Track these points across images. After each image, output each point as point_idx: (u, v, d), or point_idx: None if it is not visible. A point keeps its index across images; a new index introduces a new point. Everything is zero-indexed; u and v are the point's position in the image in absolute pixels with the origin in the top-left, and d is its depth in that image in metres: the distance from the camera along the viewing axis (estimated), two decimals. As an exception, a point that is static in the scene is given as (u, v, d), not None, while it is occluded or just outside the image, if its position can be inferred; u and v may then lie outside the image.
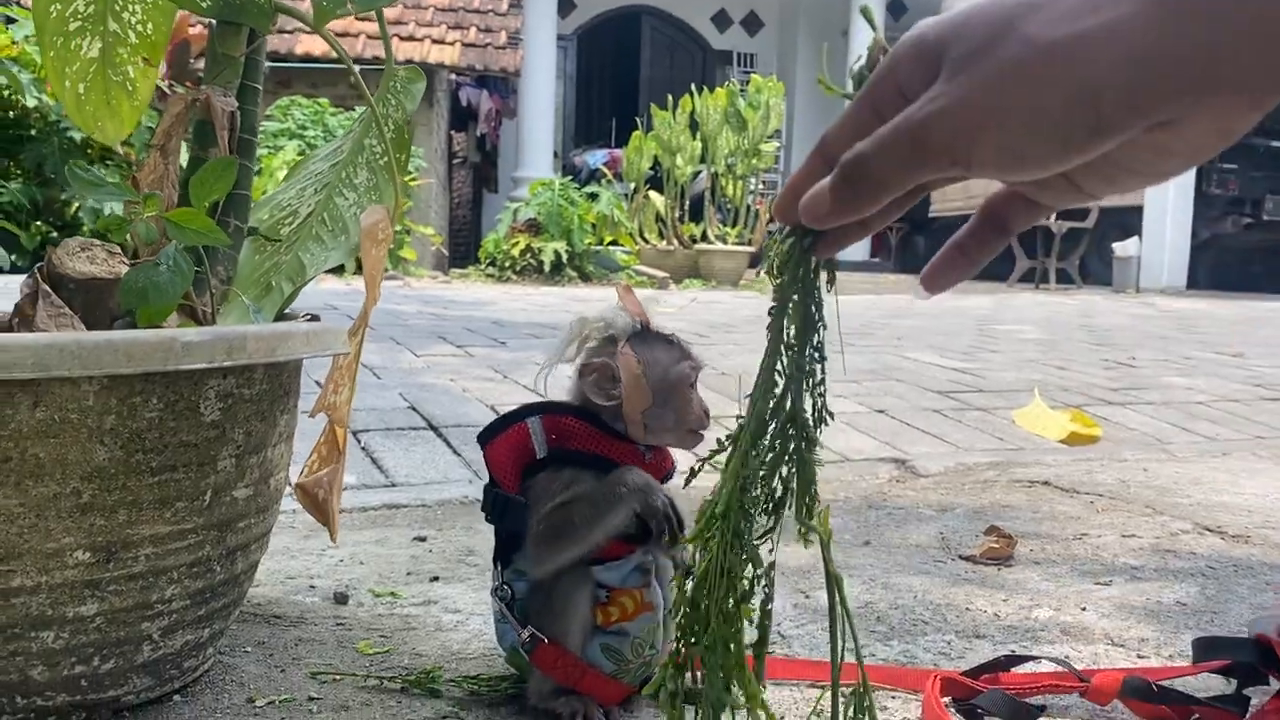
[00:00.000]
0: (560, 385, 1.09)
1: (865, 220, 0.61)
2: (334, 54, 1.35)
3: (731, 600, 0.76)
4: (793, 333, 0.73)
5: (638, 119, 10.16)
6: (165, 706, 1.07)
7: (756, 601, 0.77)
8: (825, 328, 0.74)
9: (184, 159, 1.26)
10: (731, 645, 0.78)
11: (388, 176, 1.38)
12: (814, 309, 0.73)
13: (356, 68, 1.34)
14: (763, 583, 0.78)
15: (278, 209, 1.43)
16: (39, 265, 1.10)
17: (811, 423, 0.74)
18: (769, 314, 0.72)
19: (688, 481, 0.88)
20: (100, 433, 0.92)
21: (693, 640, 0.77)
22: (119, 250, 1.16)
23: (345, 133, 1.51)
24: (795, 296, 0.72)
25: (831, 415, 0.76)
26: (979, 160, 0.51)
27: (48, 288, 1.06)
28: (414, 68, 1.43)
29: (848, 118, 0.59)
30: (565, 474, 1.03)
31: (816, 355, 0.74)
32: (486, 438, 1.08)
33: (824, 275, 0.71)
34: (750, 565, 0.76)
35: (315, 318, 1.19)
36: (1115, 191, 0.56)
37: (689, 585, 0.77)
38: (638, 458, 1.04)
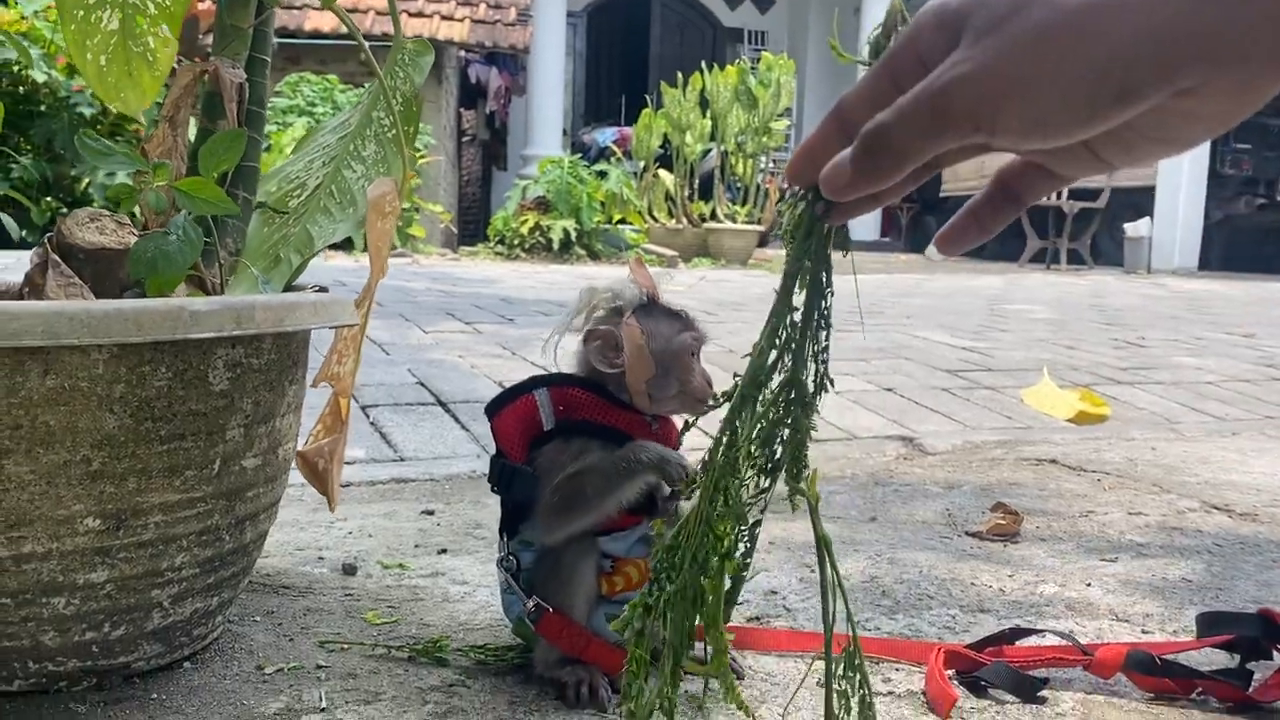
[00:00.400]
0: (568, 359, 1.09)
1: (879, 193, 0.61)
2: (343, 29, 1.34)
3: (709, 553, 0.77)
4: (801, 298, 0.74)
5: (647, 97, 10.12)
6: (175, 673, 1.08)
7: (735, 556, 0.78)
8: (833, 294, 0.74)
9: (192, 133, 1.26)
10: (708, 597, 0.78)
11: (396, 149, 1.38)
12: (824, 275, 0.74)
13: (366, 43, 1.34)
14: (744, 540, 0.79)
15: (286, 181, 1.43)
16: (49, 235, 1.11)
17: (811, 388, 0.75)
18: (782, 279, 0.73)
19: (681, 433, 0.88)
20: (110, 401, 0.93)
21: (666, 584, 0.78)
22: (128, 221, 1.16)
23: (353, 105, 1.51)
24: (806, 262, 0.73)
25: (831, 382, 0.76)
26: (1003, 127, 0.51)
27: (57, 257, 1.06)
28: (422, 40, 1.43)
29: (866, 86, 0.58)
30: (575, 444, 1.03)
31: (823, 322, 0.74)
32: (494, 409, 1.09)
33: (835, 243, 0.71)
34: (735, 521, 0.77)
35: (323, 290, 1.19)
36: (1134, 161, 0.55)
37: (669, 532, 0.77)
38: (644, 428, 1.05)
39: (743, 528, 0.78)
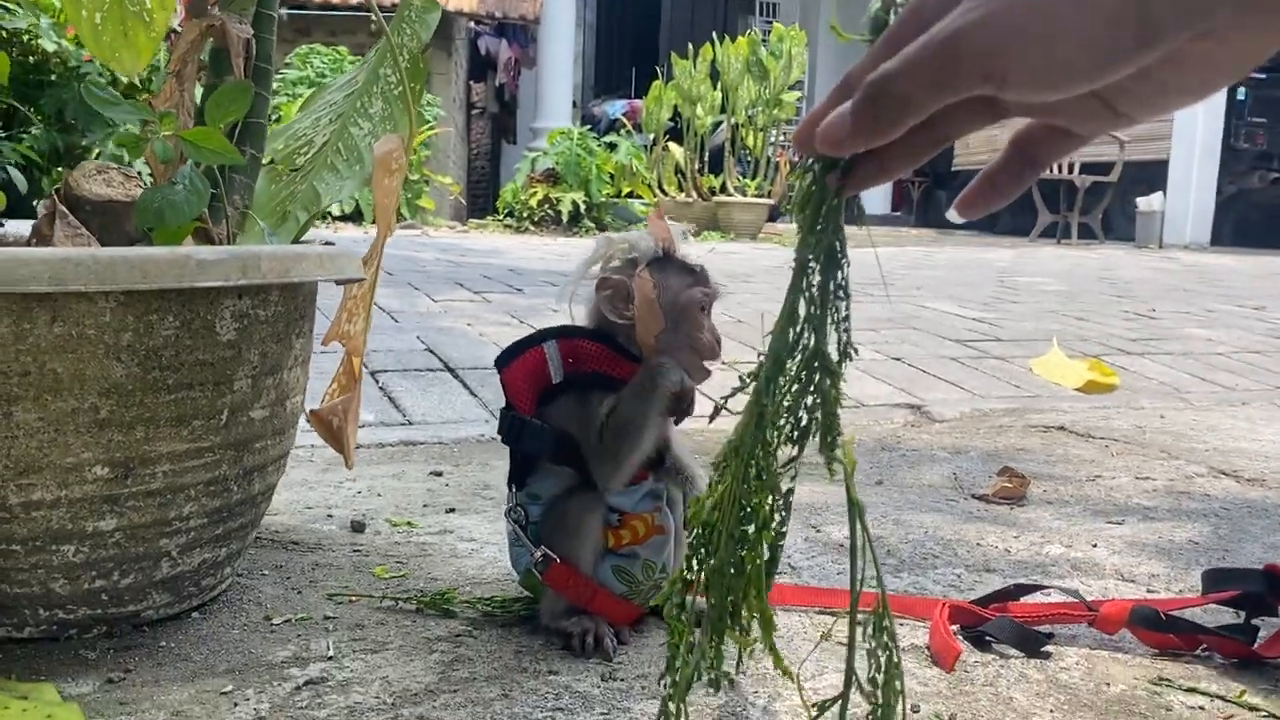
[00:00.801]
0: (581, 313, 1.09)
1: (885, 162, 0.60)
2: (353, 0, 1.34)
3: (746, 527, 0.78)
4: (816, 269, 0.74)
5: (658, 69, 10.05)
6: (184, 623, 1.09)
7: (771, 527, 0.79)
8: (849, 264, 0.74)
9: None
10: (747, 567, 0.79)
11: (402, 106, 1.38)
12: (838, 244, 0.74)
13: (376, 4, 1.34)
14: (779, 509, 0.79)
15: (293, 139, 1.43)
16: (56, 188, 1.11)
17: (835, 357, 0.75)
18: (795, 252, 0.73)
19: (712, 418, 0.88)
20: (117, 349, 0.93)
21: (703, 561, 0.79)
22: (135, 174, 1.16)
23: (361, 63, 1.50)
24: (820, 233, 0.73)
25: (855, 351, 0.76)
26: (1015, 75, 0.50)
27: (65, 209, 1.06)
28: (429, -2, 1.42)
29: (870, 58, 0.57)
30: (595, 397, 1.03)
31: (841, 291, 0.75)
32: (504, 361, 1.09)
33: (848, 215, 0.71)
34: (770, 495, 0.78)
35: (330, 244, 1.19)
36: (1151, 113, 0.54)
37: (706, 506, 0.78)
38: None
39: (777, 499, 0.78)
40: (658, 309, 1.02)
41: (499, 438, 1.09)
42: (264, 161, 1.35)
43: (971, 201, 0.64)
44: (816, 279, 0.73)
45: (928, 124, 0.55)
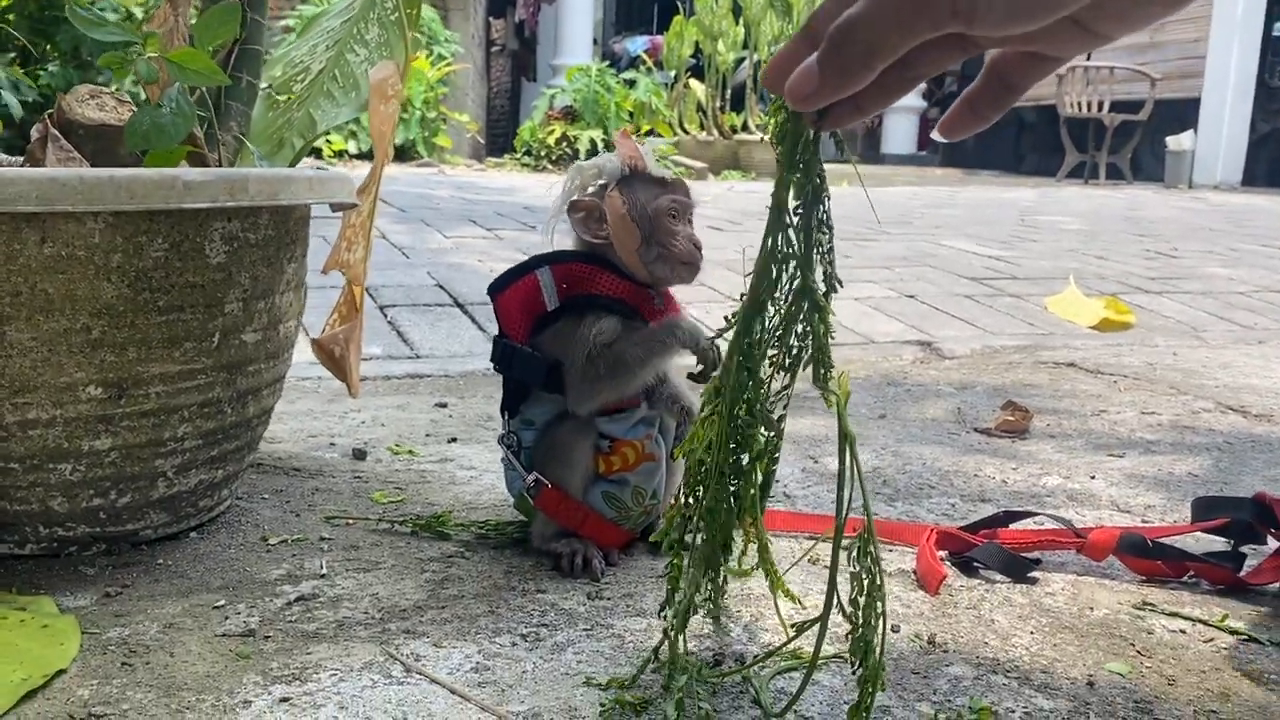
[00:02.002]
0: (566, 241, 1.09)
1: (859, 102, 0.59)
2: None
3: (740, 456, 0.79)
4: (799, 204, 0.74)
5: (680, 4, 9.90)
6: (182, 542, 1.11)
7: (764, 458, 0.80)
8: (829, 198, 0.74)
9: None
10: (741, 499, 0.81)
11: (398, 32, 1.37)
12: (817, 179, 0.73)
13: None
14: (771, 445, 0.80)
15: (290, 66, 1.42)
16: (49, 112, 1.11)
17: (822, 290, 0.75)
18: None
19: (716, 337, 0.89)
20: (107, 270, 0.94)
21: (697, 495, 0.80)
22: (128, 99, 1.16)
23: (351, -10, 1.49)
24: (799, 166, 0.73)
25: (840, 283, 0.76)
26: (983, 12, 0.48)
27: (57, 132, 1.07)
28: (426, -80, 1.40)
29: (834, 1, 0.56)
30: (589, 318, 1.04)
31: (823, 225, 0.74)
32: (497, 288, 1.09)
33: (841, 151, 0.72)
34: (763, 425, 0.79)
35: (322, 168, 1.19)
36: (1128, 28, 0.52)
37: (698, 445, 0.79)
38: (647, 299, 1.05)
39: (770, 432, 0.79)
40: (630, 223, 1.02)
41: (492, 366, 1.09)
42: (260, 88, 1.35)
43: (952, 124, 0.63)
44: (798, 215, 0.74)
45: (899, 64, 0.54)
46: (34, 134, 1.08)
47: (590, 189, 1.05)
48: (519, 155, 8.87)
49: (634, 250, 1.03)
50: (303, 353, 1.33)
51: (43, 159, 1.05)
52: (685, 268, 1.03)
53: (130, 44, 0.99)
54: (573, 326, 1.04)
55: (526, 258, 1.10)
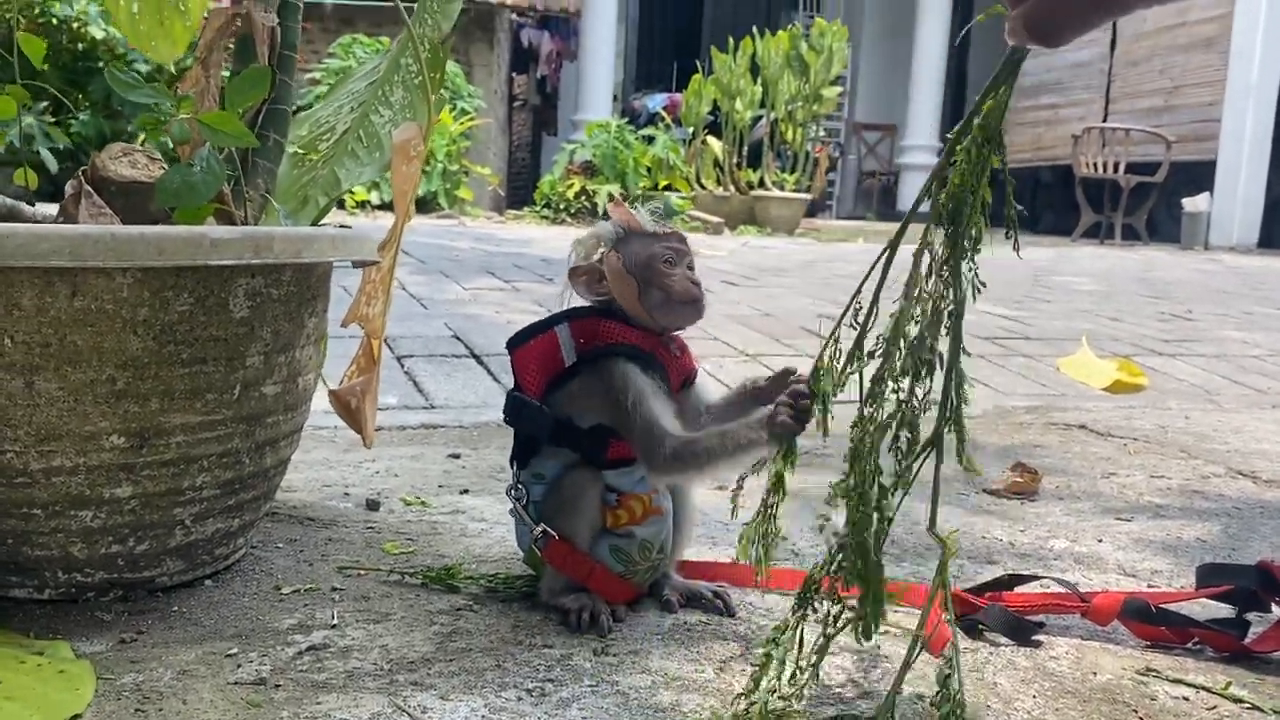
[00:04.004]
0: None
1: None
2: None
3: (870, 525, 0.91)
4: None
5: (699, 63, 10.05)
6: (197, 589, 1.13)
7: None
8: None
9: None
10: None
11: (422, 95, 1.41)
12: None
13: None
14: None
15: (316, 125, 1.47)
16: (83, 169, 1.15)
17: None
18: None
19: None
20: (134, 323, 0.97)
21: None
22: (160, 156, 1.20)
23: (383, 52, 1.53)
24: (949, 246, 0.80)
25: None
26: None
27: (90, 189, 1.11)
28: (452, -12, 1.46)
29: None
30: (611, 364, 1.06)
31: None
32: (517, 342, 1.12)
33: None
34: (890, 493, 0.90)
35: (346, 227, 1.23)
36: None
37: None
38: (660, 345, 1.08)
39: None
40: (626, 275, 1.07)
41: (504, 418, 1.12)
42: (287, 147, 1.39)
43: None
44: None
45: None
46: (68, 189, 1.12)
47: (594, 257, 1.09)
48: (538, 208, 8.97)
49: (635, 300, 1.07)
50: (320, 402, 1.36)
51: (76, 214, 1.09)
52: (687, 306, 1.07)
53: (163, 105, 1.03)
54: (598, 379, 1.06)
55: (544, 311, 1.13)
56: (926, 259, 0.81)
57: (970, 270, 0.82)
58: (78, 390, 0.97)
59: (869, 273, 0.83)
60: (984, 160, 0.78)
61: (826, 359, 0.91)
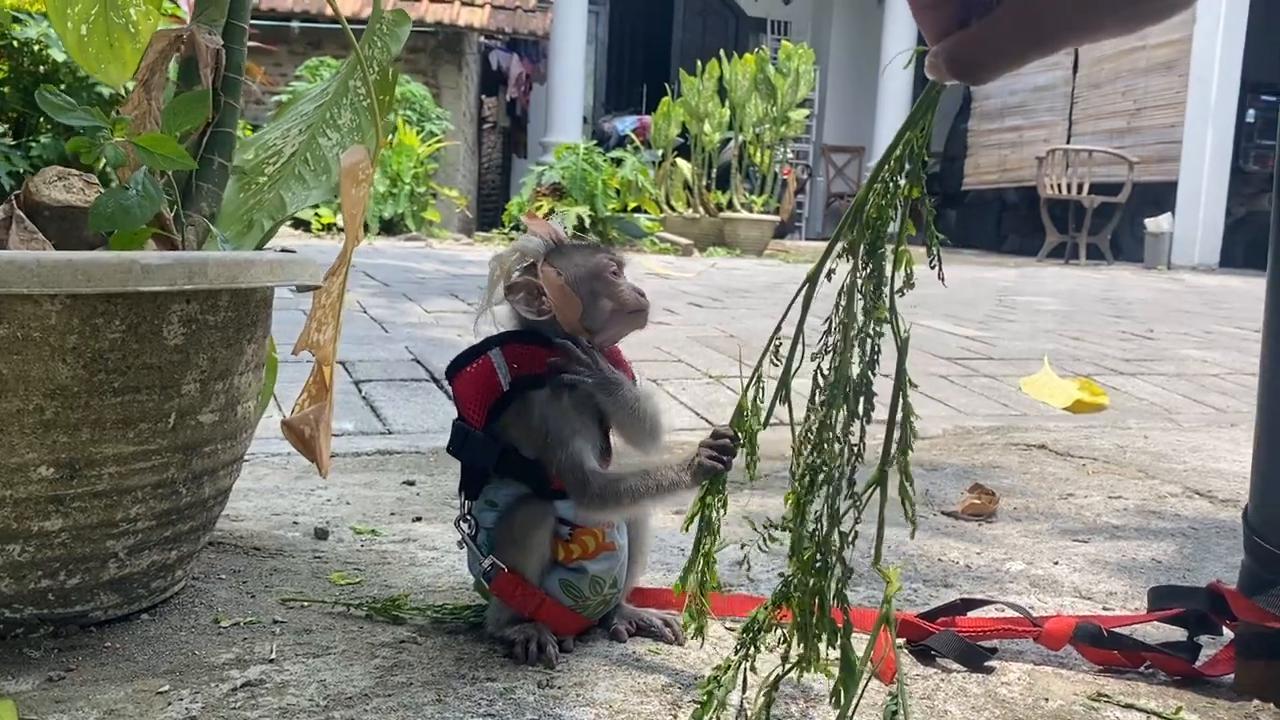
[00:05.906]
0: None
1: None
2: (365, 13, 1.36)
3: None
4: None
5: (668, 86, 10.09)
6: (133, 624, 1.10)
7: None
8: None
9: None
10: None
11: (370, 118, 1.39)
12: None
13: (345, 12, 1.35)
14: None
15: (263, 148, 1.44)
16: (15, 193, 1.12)
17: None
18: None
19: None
20: (63, 351, 0.95)
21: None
22: (96, 181, 1.18)
23: (332, 74, 1.52)
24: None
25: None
26: None
27: (22, 214, 1.08)
28: (401, 11, 1.44)
29: None
30: (533, 398, 1.04)
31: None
32: (451, 372, 1.10)
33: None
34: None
35: (288, 251, 1.21)
36: None
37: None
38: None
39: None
40: (569, 292, 1.05)
41: (449, 449, 1.10)
42: (231, 170, 1.37)
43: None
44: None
45: None
46: None
47: (516, 273, 1.07)
48: (506, 230, 8.96)
49: (576, 317, 1.05)
50: (271, 429, 1.33)
51: (5, 239, 1.06)
52: (635, 315, 1.06)
53: (99, 129, 1.00)
54: (522, 412, 1.05)
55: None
56: (843, 291, 0.81)
57: (885, 298, 0.80)
58: (3, 420, 0.94)
59: (788, 309, 0.82)
60: (901, 191, 0.78)
61: (750, 399, 0.90)
